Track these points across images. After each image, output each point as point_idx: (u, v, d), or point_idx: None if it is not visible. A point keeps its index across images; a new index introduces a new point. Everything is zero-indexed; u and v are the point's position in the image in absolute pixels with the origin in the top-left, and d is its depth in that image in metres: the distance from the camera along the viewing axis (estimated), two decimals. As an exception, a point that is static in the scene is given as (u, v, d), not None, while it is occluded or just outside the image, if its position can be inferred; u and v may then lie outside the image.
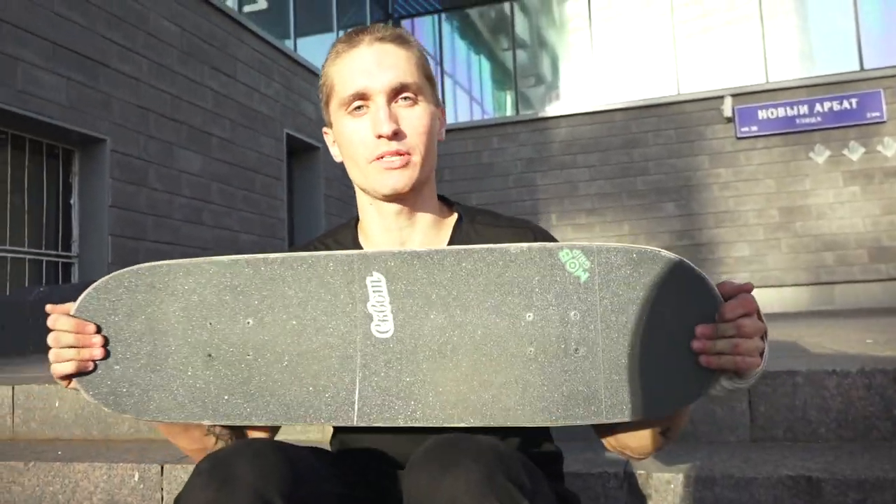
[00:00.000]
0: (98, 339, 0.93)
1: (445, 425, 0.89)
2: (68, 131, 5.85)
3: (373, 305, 0.91)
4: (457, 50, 12.40)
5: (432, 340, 0.89)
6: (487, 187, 10.87)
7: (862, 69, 9.73)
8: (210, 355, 0.93)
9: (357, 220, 1.16)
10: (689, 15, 10.76)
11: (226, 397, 0.92)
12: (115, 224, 6.19)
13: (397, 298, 0.90)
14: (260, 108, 8.30)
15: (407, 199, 1.06)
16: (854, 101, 9.51)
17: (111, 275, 0.95)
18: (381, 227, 1.09)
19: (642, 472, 1.50)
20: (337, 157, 1.11)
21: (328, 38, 10.25)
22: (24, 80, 5.42)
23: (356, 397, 0.90)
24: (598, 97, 10.80)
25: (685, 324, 0.84)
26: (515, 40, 11.80)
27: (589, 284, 0.87)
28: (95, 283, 0.95)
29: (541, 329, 0.87)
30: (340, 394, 0.91)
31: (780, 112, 9.74)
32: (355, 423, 0.90)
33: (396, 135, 1.01)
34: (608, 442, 1.04)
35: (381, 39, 1.03)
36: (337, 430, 1.16)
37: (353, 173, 1.07)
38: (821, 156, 9.61)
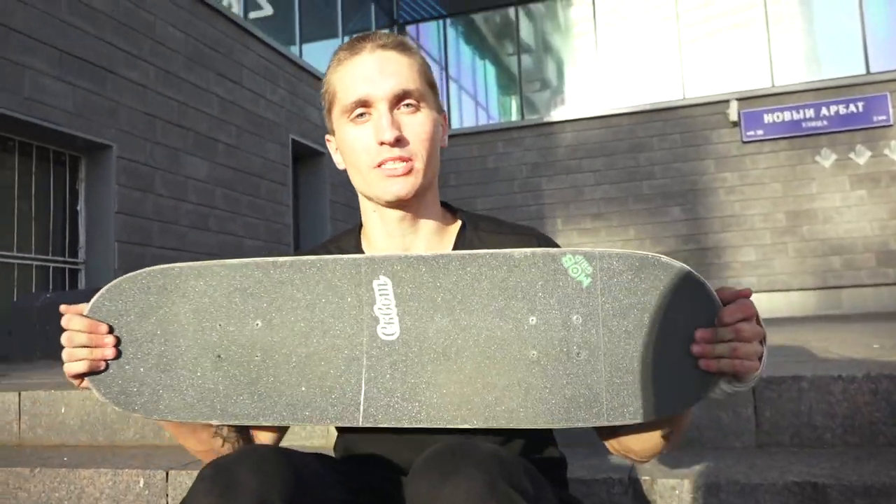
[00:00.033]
0: (110, 340, 0.95)
1: (449, 426, 0.90)
2: (75, 138, 5.88)
3: (379, 308, 0.92)
4: (462, 55, 12.42)
5: (437, 343, 0.91)
6: (493, 192, 10.88)
7: (868, 72, 9.70)
8: (219, 356, 0.95)
9: (361, 226, 1.16)
10: (695, 19, 10.75)
11: (234, 397, 0.94)
12: (121, 230, 6.22)
13: (403, 302, 0.92)
14: (266, 114, 8.33)
15: (410, 205, 1.06)
16: (860, 104, 9.48)
17: (125, 276, 0.97)
18: (384, 234, 1.10)
19: (647, 478, 1.50)
20: (340, 165, 1.12)
21: (333, 44, 10.28)
22: (31, 87, 5.45)
23: (361, 398, 0.92)
24: (603, 102, 10.79)
25: (685, 328, 0.86)
26: (520, 45, 11.81)
27: (591, 289, 0.88)
28: (109, 285, 0.97)
29: (544, 332, 0.89)
30: (346, 395, 0.92)
31: (787, 116, 9.72)
32: (360, 423, 0.92)
33: (399, 141, 1.01)
34: (611, 445, 1.05)
35: (383, 46, 1.04)
36: (341, 435, 1.16)
37: (356, 180, 1.07)
38: (827, 159, 9.58)
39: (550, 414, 0.88)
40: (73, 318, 0.95)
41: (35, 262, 5.88)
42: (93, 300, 0.97)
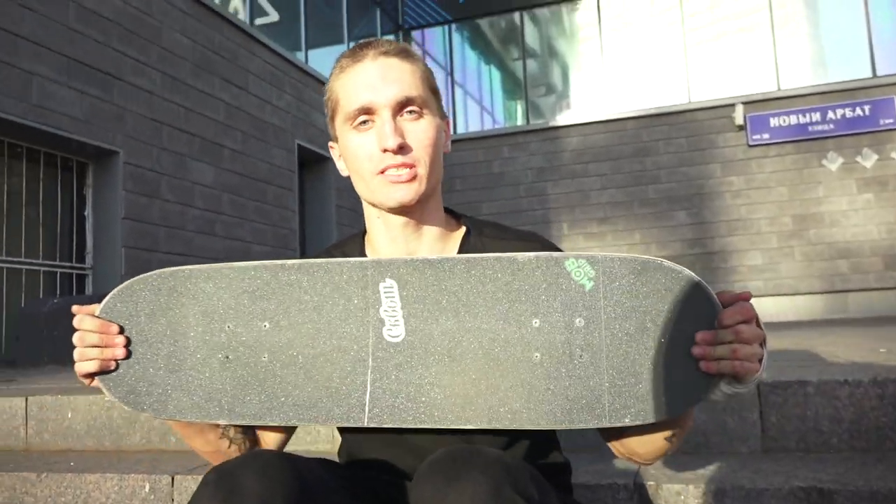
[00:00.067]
0: (121, 340, 0.97)
1: (453, 427, 0.91)
2: (82, 144, 5.91)
3: (385, 310, 0.94)
4: (467, 60, 12.44)
5: (442, 345, 0.92)
6: (498, 196, 10.88)
7: (874, 76, 9.67)
8: (227, 357, 0.96)
9: (365, 231, 1.17)
10: (700, 23, 10.75)
11: (241, 398, 0.96)
12: (128, 236, 6.24)
13: (409, 304, 0.93)
14: (271, 120, 8.36)
15: (413, 211, 1.06)
16: (867, 107, 9.45)
17: (136, 278, 0.99)
18: (387, 239, 1.10)
19: (652, 483, 1.49)
20: (343, 172, 1.12)
21: (339, 50, 10.22)
22: (39, 94, 5.49)
23: (367, 399, 0.93)
24: (608, 106, 10.79)
25: (686, 330, 0.87)
26: (526, 50, 11.83)
27: (594, 292, 0.89)
28: (120, 286, 0.99)
29: (547, 335, 0.90)
30: (352, 395, 0.93)
31: (793, 119, 9.70)
32: (366, 423, 0.93)
33: (402, 148, 1.01)
34: (615, 447, 1.05)
35: (386, 53, 1.04)
36: (344, 440, 1.17)
37: (360, 187, 1.07)
38: (834, 163, 9.55)
39: (553, 415, 0.89)
40: (85, 319, 0.97)
41: (42, 268, 5.91)
42: (104, 301, 0.99)
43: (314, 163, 9.31)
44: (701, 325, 0.86)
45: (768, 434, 1.73)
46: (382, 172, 1.02)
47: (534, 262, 0.91)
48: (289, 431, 1.13)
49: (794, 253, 9.57)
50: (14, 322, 5.31)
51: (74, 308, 0.98)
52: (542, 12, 11.82)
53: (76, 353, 0.97)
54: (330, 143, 1.14)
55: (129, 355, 0.97)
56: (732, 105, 9.93)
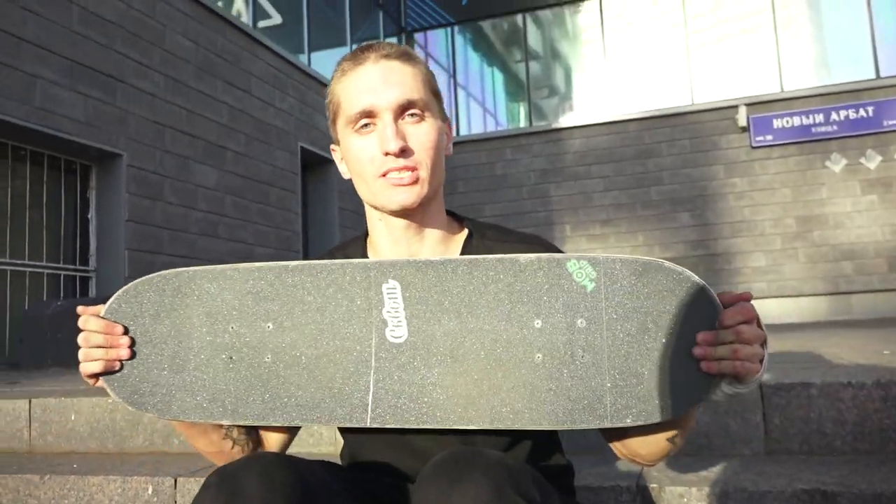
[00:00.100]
0: (125, 340, 0.98)
1: (455, 427, 0.91)
2: (86, 147, 5.93)
3: (388, 311, 0.94)
4: (470, 62, 12.45)
5: (444, 345, 0.92)
6: (501, 199, 10.88)
7: (878, 77, 9.65)
8: (231, 358, 0.97)
9: (367, 234, 1.17)
10: (703, 24, 10.74)
11: (245, 398, 0.96)
12: (131, 238, 6.26)
13: (411, 305, 0.94)
14: (274, 122, 8.37)
15: (415, 214, 1.06)
16: (870, 109, 9.44)
17: (141, 279, 1.00)
18: (390, 242, 1.10)
19: (655, 485, 1.49)
20: (345, 174, 1.12)
21: (341, 52, 10.25)
22: (42, 97, 5.50)
23: (370, 399, 0.93)
24: (611, 107, 10.79)
25: (687, 331, 0.87)
26: (528, 52, 11.83)
27: (595, 293, 0.90)
28: (125, 287, 1.00)
29: (549, 336, 0.90)
30: (355, 396, 0.94)
31: (796, 121, 9.69)
32: (369, 424, 0.93)
33: (404, 152, 1.01)
34: (617, 449, 1.05)
35: (387, 56, 1.04)
36: (347, 442, 1.17)
37: (361, 190, 1.07)
38: (837, 164, 9.53)
39: (555, 415, 0.89)
40: (90, 319, 0.98)
41: (46, 270, 5.92)
42: (109, 301, 0.99)
43: (317, 165, 9.31)
44: (702, 325, 0.87)
45: (771, 436, 1.72)
46: (384, 175, 1.02)
47: (536, 263, 0.92)
48: (292, 432, 1.13)
49: (798, 254, 9.55)
50: (18, 324, 5.32)
51: (79, 308, 0.99)
52: (545, 14, 11.83)
53: (81, 354, 0.98)
54: (332, 146, 1.14)
55: (133, 356, 0.98)
56: (736, 106, 9.92)
